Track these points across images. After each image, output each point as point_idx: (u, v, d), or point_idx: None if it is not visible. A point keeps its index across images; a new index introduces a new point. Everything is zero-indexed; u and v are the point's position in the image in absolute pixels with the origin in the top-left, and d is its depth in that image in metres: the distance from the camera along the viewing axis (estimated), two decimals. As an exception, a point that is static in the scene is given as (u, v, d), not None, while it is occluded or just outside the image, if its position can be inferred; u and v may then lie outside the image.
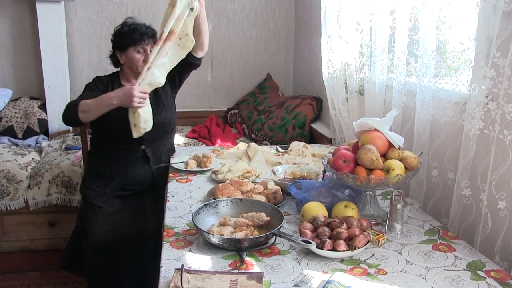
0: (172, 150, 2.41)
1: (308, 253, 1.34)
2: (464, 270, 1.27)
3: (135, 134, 1.99)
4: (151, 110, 2.04)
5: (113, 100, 1.95)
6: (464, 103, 1.59)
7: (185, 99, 3.88)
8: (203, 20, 2.13)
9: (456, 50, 1.72)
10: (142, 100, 1.92)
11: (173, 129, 2.37)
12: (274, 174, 1.96)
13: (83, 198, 2.29)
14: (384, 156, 1.54)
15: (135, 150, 2.20)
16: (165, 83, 2.10)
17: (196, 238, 1.43)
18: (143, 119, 1.97)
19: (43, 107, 3.52)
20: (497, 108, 1.42)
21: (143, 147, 2.22)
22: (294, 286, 1.18)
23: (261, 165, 2.18)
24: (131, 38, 2.17)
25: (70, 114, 2.04)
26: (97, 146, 2.31)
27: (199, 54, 2.27)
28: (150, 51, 2.16)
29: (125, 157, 2.19)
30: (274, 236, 1.40)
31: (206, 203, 1.54)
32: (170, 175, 2.07)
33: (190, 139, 3.48)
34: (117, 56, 2.25)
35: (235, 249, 1.35)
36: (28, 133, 3.44)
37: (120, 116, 2.01)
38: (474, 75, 1.49)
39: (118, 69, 2.32)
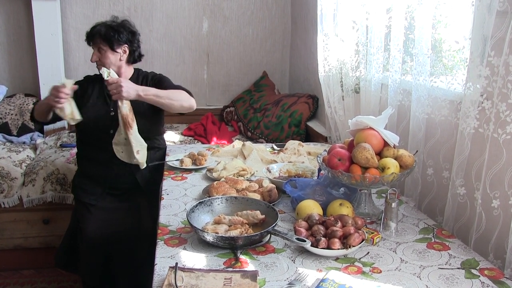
0: (159, 152, 2.34)
1: (303, 252, 1.34)
2: (458, 268, 1.27)
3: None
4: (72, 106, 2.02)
5: (45, 99, 2.05)
6: (459, 102, 1.60)
7: (181, 97, 3.86)
8: (161, 103, 2.10)
9: (451, 49, 1.72)
10: (57, 99, 1.92)
11: (153, 137, 2.29)
12: (270, 172, 1.96)
13: (75, 198, 2.28)
14: (379, 154, 1.54)
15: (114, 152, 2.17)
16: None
17: (191, 236, 1.43)
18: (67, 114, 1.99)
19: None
20: (492, 107, 1.42)
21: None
22: (289, 284, 1.18)
23: (256, 163, 2.18)
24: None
25: (31, 114, 2.27)
26: (81, 148, 2.31)
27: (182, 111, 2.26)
28: (100, 52, 2.17)
29: (107, 158, 2.15)
30: (269, 234, 1.40)
31: (201, 201, 1.54)
32: (165, 172, 2.07)
33: (186, 137, 3.47)
34: None
35: (230, 247, 1.34)
36: (23, 130, 3.42)
37: (97, 117, 2.06)
38: (469, 74, 1.50)
39: None
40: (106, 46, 2.17)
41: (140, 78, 2.31)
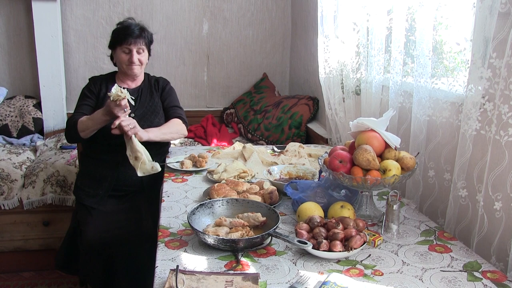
0: (164, 153, 2.37)
1: (304, 254, 1.33)
2: (460, 271, 1.27)
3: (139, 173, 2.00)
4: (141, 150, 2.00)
5: (103, 115, 2.01)
6: (461, 104, 1.59)
7: (181, 99, 3.80)
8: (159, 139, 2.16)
9: (452, 50, 1.72)
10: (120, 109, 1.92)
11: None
12: (270, 174, 1.95)
13: (77, 200, 2.28)
14: (381, 156, 1.53)
15: (123, 152, 2.16)
16: (158, 97, 2.31)
17: (192, 239, 1.42)
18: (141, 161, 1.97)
19: (38, 106, 3.50)
20: (494, 109, 1.42)
21: None
22: (290, 287, 1.17)
23: (257, 165, 2.17)
24: (117, 37, 2.21)
25: (72, 133, 2.13)
26: (87, 147, 2.31)
27: None
28: (138, 52, 2.20)
29: (113, 159, 2.18)
30: (270, 237, 1.39)
31: (202, 203, 1.53)
32: (165, 174, 2.06)
33: (186, 139, 3.47)
34: (112, 55, 2.29)
35: (231, 250, 1.34)
36: (23, 132, 3.42)
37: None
38: (471, 75, 1.49)
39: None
40: (146, 47, 2.26)
41: (152, 82, 2.38)
